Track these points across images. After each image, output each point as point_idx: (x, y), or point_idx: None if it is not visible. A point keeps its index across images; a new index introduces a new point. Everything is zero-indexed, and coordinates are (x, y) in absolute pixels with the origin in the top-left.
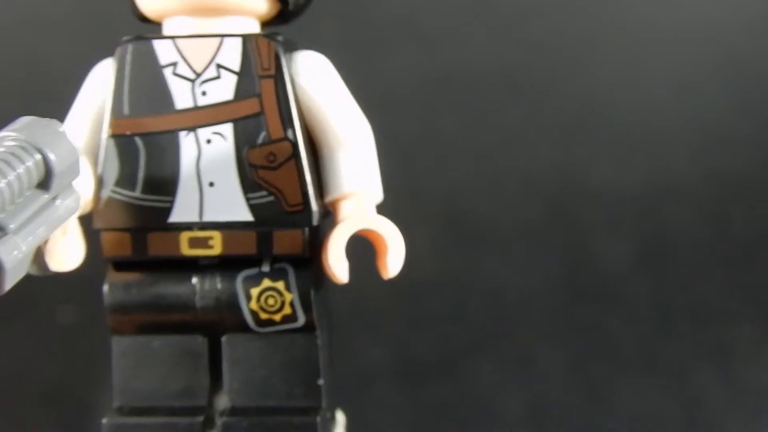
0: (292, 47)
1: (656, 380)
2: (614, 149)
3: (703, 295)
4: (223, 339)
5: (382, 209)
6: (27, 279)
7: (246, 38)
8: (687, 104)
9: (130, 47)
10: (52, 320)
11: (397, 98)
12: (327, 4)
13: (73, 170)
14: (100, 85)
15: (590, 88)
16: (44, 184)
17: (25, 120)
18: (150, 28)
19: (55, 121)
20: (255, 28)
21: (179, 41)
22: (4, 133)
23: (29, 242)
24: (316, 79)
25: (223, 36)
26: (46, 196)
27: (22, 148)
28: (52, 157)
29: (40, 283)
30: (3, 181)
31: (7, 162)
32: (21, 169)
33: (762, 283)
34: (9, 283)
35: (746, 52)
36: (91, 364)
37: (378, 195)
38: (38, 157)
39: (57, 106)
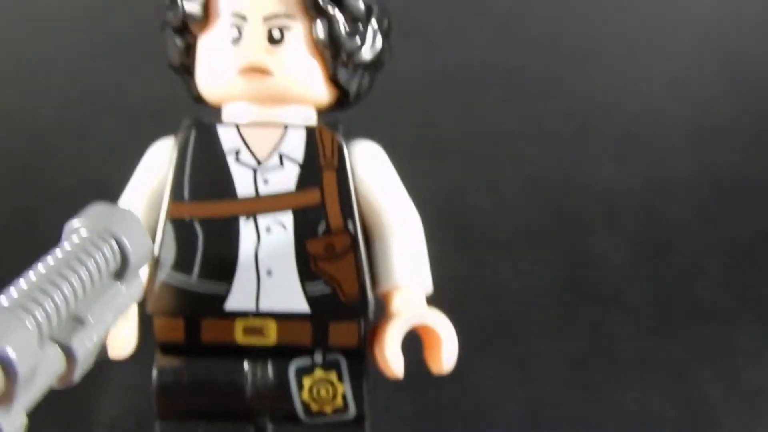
0: (349, 136)
1: (656, 380)
2: (614, 149)
3: (703, 295)
4: (270, 428)
5: None
6: None
7: (310, 129)
8: (687, 104)
9: (193, 132)
10: None
11: (397, 98)
12: None
13: (145, 259)
14: (158, 166)
15: (590, 88)
16: (119, 273)
17: (99, 208)
18: (204, 108)
19: (129, 211)
20: (313, 115)
21: (243, 129)
22: (80, 220)
23: (99, 331)
24: (373, 171)
25: (287, 126)
26: (118, 284)
27: (101, 237)
28: (129, 247)
29: None
30: (84, 271)
31: (87, 252)
32: (99, 259)
33: (762, 283)
34: (79, 375)
35: (746, 52)
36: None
37: (428, 287)
38: (115, 247)
39: (56, 107)
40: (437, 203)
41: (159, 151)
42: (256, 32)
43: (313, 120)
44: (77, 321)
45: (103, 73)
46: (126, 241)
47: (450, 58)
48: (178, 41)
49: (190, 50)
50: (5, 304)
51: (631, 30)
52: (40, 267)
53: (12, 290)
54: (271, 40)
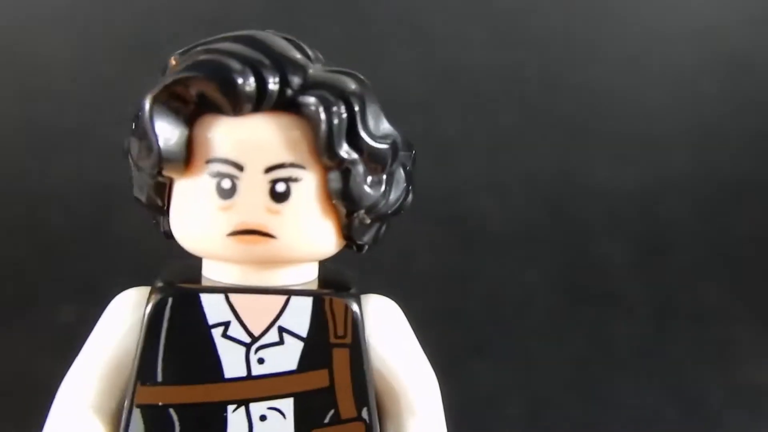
0: (360, 294)
1: (656, 380)
2: (614, 149)
3: (703, 295)
4: None
5: None
6: (25, 279)
7: (318, 297)
8: (687, 104)
9: (169, 301)
10: (52, 320)
11: (397, 98)
12: (328, 4)
13: None
14: (122, 333)
15: (590, 89)
16: None
17: None
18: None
19: None
20: (315, 270)
21: (233, 296)
22: None
23: None
24: (389, 339)
25: (290, 293)
26: None
27: None
28: None
29: (40, 283)
30: None
31: None
32: None
33: (762, 283)
34: None
35: (746, 52)
36: None
37: None
38: None
39: (56, 106)
40: (437, 203)
41: (124, 311)
42: (255, 186)
43: (313, 275)
44: None
45: (103, 73)
46: None
47: (450, 58)
48: (148, 179)
49: (162, 190)
50: None
51: (631, 30)
52: None
53: None
54: (275, 196)
